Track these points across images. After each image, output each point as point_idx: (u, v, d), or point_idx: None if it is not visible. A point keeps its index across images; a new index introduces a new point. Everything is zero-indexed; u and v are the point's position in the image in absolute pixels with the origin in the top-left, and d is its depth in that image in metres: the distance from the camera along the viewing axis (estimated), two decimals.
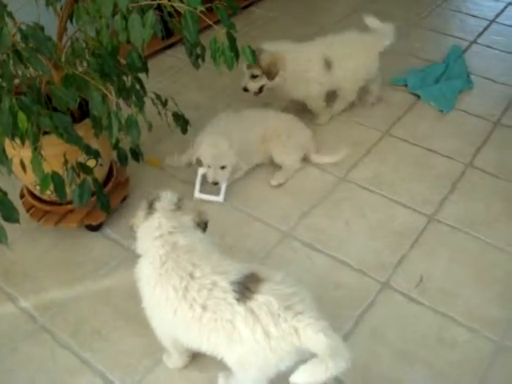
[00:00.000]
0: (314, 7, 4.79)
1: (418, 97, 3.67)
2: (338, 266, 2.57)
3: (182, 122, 2.60)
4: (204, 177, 2.92)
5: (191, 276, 1.81)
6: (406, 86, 3.76)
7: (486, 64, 4.04)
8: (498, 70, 3.98)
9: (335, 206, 2.88)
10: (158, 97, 2.58)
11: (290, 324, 1.68)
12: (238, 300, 1.73)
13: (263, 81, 3.17)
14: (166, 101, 2.63)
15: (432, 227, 2.76)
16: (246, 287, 1.74)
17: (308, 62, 3.20)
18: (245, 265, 1.87)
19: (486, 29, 4.49)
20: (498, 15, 4.69)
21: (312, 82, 3.25)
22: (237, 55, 1.88)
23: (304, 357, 1.70)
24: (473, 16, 4.70)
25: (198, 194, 2.92)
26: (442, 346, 2.27)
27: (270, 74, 3.12)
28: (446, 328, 2.33)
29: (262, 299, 1.71)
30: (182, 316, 1.81)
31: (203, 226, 2.04)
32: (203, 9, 1.81)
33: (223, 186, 2.91)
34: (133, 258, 2.56)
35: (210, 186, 2.91)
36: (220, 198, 2.90)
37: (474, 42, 4.32)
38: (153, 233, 1.93)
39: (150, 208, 1.98)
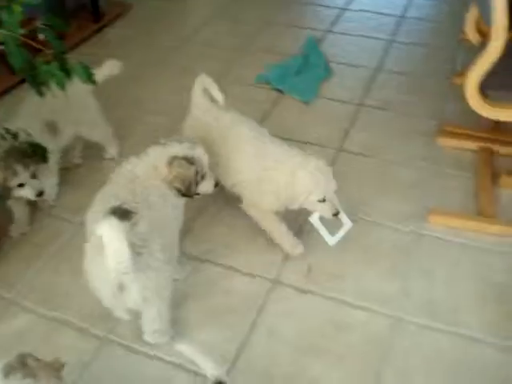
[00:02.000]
0: (169, 21, 4.72)
1: (282, 92, 3.70)
2: (226, 273, 2.52)
3: (40, 151, 2.45)
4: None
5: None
6: (269, 82, 3.78)
7: (343, 50, 4.16)
8: (354, 54, 4.11)
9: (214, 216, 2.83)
10: (8, 131, 2.42)
11: None
12: None
13: None
14: (17, 133, 2.47)
15: None
16: None
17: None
18: None
19: (338, 17, 4.63)
20: (348, 3, 4.84)
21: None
22: (68, 74, 1.78)
23: None
24: (325, 6, 4.84)
25: (333, 240, 2.47)
26: (340, 331, 2.26)
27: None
28: (341, 313, 2.33)
29: None
30: None
31: None
32: (23, 31, 1.70)
33: (341, 212, 2.46)
34: None
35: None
36: (349, 223, 2.49)
37: (329, 30, 4.43)
38: None
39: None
